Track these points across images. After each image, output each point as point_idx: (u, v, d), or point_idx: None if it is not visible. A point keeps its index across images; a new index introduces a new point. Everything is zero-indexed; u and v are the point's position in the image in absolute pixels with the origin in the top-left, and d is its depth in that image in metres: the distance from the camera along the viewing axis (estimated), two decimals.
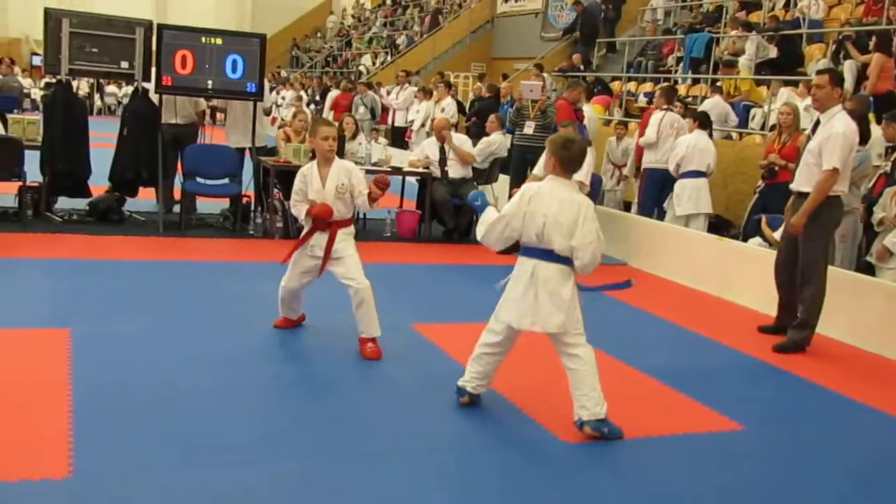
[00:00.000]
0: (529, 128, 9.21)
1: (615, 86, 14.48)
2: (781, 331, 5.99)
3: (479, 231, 4.15)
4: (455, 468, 3.63)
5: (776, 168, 7.85)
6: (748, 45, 12.15)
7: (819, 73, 5.81)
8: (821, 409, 4.84)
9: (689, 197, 8.50)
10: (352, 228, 5.13)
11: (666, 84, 11.86)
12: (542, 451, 3.85)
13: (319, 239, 4.98)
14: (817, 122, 5.70)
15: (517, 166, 9.33)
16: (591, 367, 4.01)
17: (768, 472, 3.86)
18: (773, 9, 13.27)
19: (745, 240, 7.79)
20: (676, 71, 13.82)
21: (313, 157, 8.32)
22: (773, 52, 11.77)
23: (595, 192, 8.74)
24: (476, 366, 4.27)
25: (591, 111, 10.99)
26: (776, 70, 11.23)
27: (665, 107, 9.36)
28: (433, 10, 24.18)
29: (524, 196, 3.99)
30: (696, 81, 13.08)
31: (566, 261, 3.95)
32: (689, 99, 12.32)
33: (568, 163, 3.98)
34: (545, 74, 14.28)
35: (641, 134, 9.44)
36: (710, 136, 8.99)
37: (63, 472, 3.23)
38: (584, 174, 8.16)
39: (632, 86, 14.31)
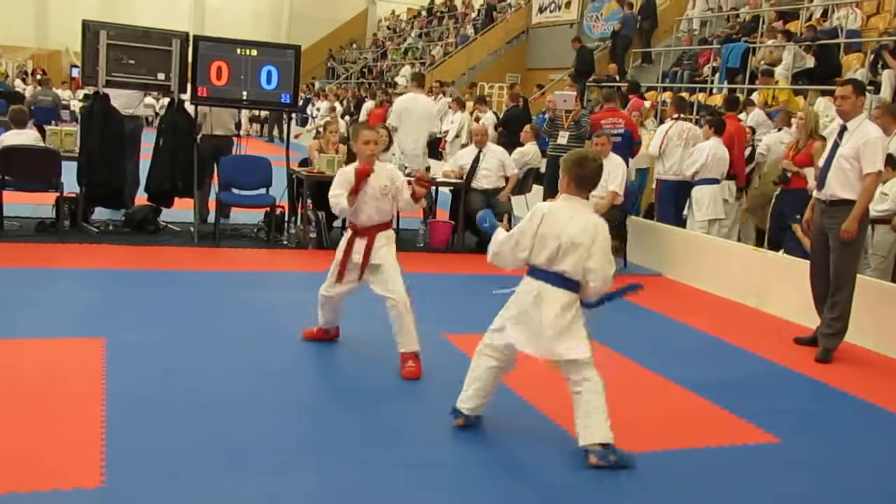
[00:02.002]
0: (563, 138, 9.17)
1: (651, 95, 14.38)
2: (818, 342, 5.90)
3: (490, 251, 3.99)
4: (485, 480, 3.60)
5: (789, 174, 7.80)
6: (785, 54, 12.01)
7: (843, 83, 5.92)
8: (857, 420, 4.75)
9: (710, 202, 8.46)
10: (391, 233, 5.02)
11: (680, 94, 11.80)
12: (576, 464, 3.80)
13: (359, 245, 4.90)
14: (843, 129, 5.75)
15: (551, 177, 9.28)
16: (598, 393, 3.79)
17: (805, 485, 3.79)
18: (810, 18, 13.11)
19: (771, 246, 7.74)
20: (712, 81, 13.69)
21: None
22: (810, 62, 11.63)
23: (630, 202, 8.67)
24: (474, 385, 4.05)
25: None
26: (813, 80, 11.08)
27: (675, 116, 9.29)
28: (487, 7, 24.05)
29: (535, 215, 3.84)
30: (731, 91, 12.94)
31: (574, 285, 3.79)
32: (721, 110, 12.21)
33: (583, 181, 3.84)
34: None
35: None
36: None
37: (95, 481, 3.25)
38: (618, 184, 8.13)
39: (667, 96, 14.20)
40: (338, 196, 4.88)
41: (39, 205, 8.32)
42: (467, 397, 4.07)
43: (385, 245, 4.91)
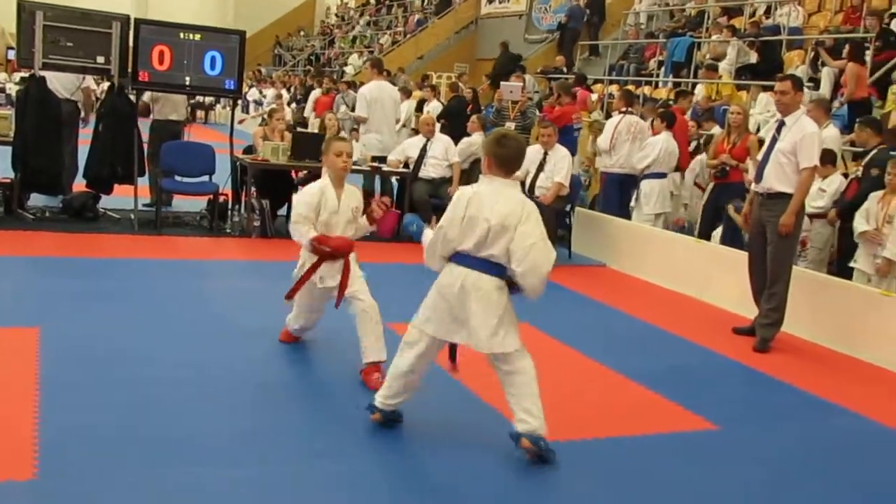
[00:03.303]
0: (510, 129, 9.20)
1: (597, 88, 14.50)
2: (756, 332, 6.03)
3: (425, 256, 3.81)
4: (424, 467, 3.60)
5: (728, 168, 7.94)
6: (729, 49, 12.21)
7: (782, 79, 6.02)
8: (794, 408, 4.85)
9: (658, 197, 8.55)
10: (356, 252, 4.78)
11: (625, 87, 11.92)
12: (518, 452, 3.82)
13: (329, 269, 4.60)
14: (781, 124, 5.86)
15: None
16: (532, 381, 3.68)
17: (743, 471, 3.86)
18: (753, 14, 13.35)
19: (701, 238, 7.92)
20: (658, 74, 13.86)
21: (292, 157, 8.40)
22: (753, 58, 11.84)
23: (575, 193, 8.74)
24: (397, 382, 3.85)
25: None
26: (756, 75, 11.29)
27: (623, 109, 9.38)
28: None
29: (461, 200, 3.63)
30: (676, 85, 13.13)
31: (503, 270, 3.59)
32: (671, 102, 12.36)
33: (504, 161, 3.61)
34: (527, 76, 14.30)
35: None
36: None
37: (28, 474, 3.17)
38: (563, 175, 8.18)
39: (613, 88, 14.34)
40: (300, 228, 4.59)
41: None
42: (389, 394, 3.87)
43: (355, 263, 4.72)
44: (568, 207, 8.63)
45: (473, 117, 10.34)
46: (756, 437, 4.31)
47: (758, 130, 9.76)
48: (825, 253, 7.11)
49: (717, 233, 7.83)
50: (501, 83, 10.10)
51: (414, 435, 3.92)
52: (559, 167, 8.19)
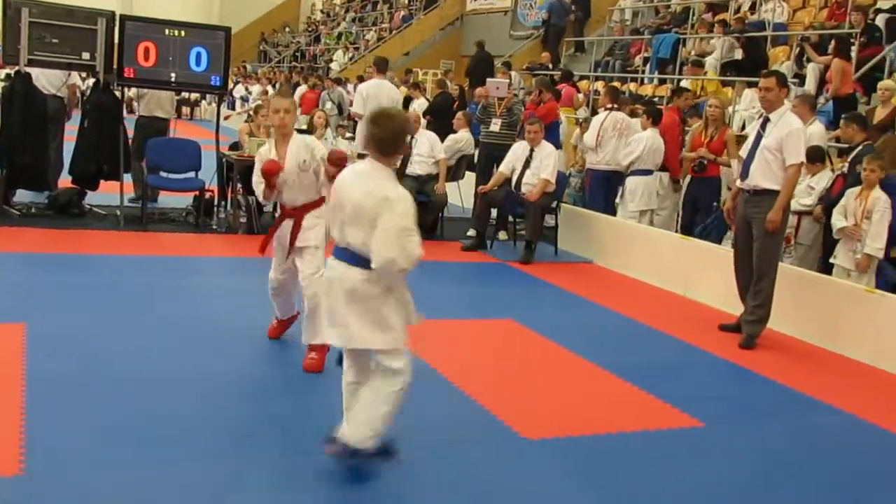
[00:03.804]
0: (496, 125, 9.21)
1: (583, 84, 14.53)
2: (742, 329, 6.06)
3: None
4: (412, 464, 3.59)
5: (705, 162, 7.98)
6: (717, 44, 12.25)
7: (766, 75, 6.04)
8: (779, 405, 4.89)
9: (643, 193, 8.59)
10: (320, 210, 4.62)
11: (611, 83, 11.95)
12: (503, 448, 3.84)
13: (286, 226, 4.63)
14: (766, 120, 5.88)
15: (483, 164, 9.33)
16: (389, 393, 3.29)
17: (728, 468, 3.89)
18: (738, 10, 13.40)
19: (683, 234, 7.97)
20: (643, 71, 13.90)
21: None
22: (738, 54, 11.89)
23: (560, 190, 8.76)
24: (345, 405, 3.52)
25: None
26: (741, 71, 11.34)
27: (609, 106, 9.40)
28: None
29: (335, 184, 3.42)
30: (662, 81, 13.18)
31: (368, 262, 3.19)
32: (656, 99, 12.40)
33: (378, 142, 3.26)
34: (513, 72, 14.32)
35: None
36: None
37: (14, 469, 3.17)
38: (549, 172, 8.21)
39: (599, 85, 14.37)
40: (257, 185, 4.64)
41: None
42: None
43: (314, 227, 4.60)
44: (554, 204, 8.65)
45: (459, 114, 10.35)
46: (741, 433, 4.34)
47: (743, 127, 9.82)
48: (814, 250, 7.14)
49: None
50: (487, 80, 10.10)
51: (407, 434, 3.93)
52: (545, 164, 8.22)
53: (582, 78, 14.78)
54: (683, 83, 11.79)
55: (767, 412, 4.74)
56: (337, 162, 4.39)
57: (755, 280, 5.91)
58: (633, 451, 3.96)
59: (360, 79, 18.13)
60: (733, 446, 4.16)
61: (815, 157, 7.03)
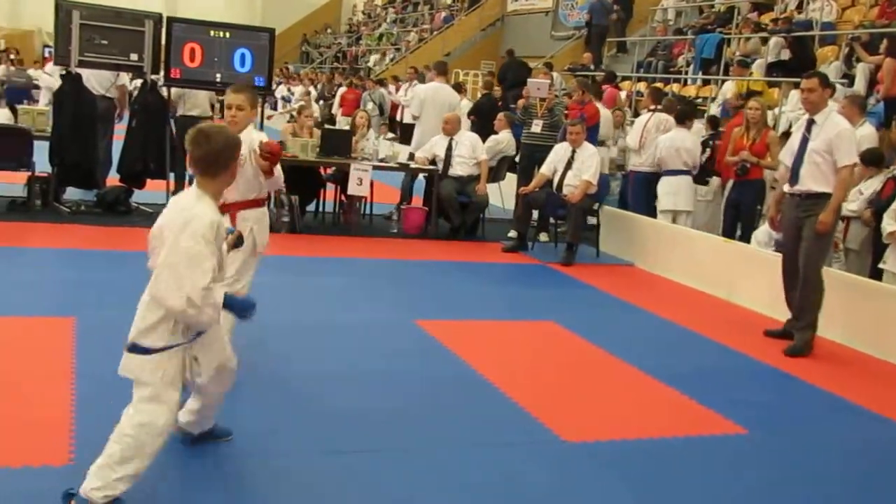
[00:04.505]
0: (537, 126, 9.18)
1: (625, 85, 14.44)
2: (788, 335, 5.95)
3: None
4: (454, 466, 3.61)
5: (748, 165, 7.87)
6: (765, 45, 12.08)
7: (808, 76, 5.90)
8: (825, 413, 4.81)
9: (673, 193, 8.54)
10: (260, 214, 4.28)
11: (655, 85, 11.85)
12: (544, 452, 3.83)
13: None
14: (811, 123, 5.75)
15: (525, 165, 9.31)
16: (133, 435, 2.91)
17: (771, 476, 3.84)
18: (785, 10, 13.21)
19: (725, 237, 7.89)
20: (687, 72, 13.77)
21: (321, 153, 8.46)
22: (785, 54, 11.71)
23: (602, 192, 8.71)
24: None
25: (606, 111, 10.94)
26: (788, 72, 11.18)
27: (652, 107, 9.32)
28: None
29: None
30: (706, 82, 13.04)
31: None
32: (700, 100, 12.28)
33: (195, 162, 3.05)
34: (554, 73, 14.26)
35: None
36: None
37: (64, 459, 3.25)
38: (591, 173, 8.16)
39: (641, 86, 14.26)
40: None
41: (11, 184, 8.20)
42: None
43: (249, 227, 4.16)
44: (595, 206, 8.61)
45: (500, 115, 10.34)
46: (786, 442, 4.28)
47: (789, 128, 9.67)
48: (863, 256, 6.98)
49: (758, 232, 7.65)
50: (528, 81, 10.07)
51: (448, 435, 3.95)
52: (587, 165, 8.18)
53: (624, 79, 14.68)
54: (728, 84, 11.66)
55: (813, 421, 4.66)
56: (267, 155, 4.05)
57: (801, 284, 5.79)
58: (674, 457, 3.92)
59: (396, 79, 18.27)
60: (777, 455, 4.09)
61: (873, 160, 6.89)
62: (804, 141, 5.75)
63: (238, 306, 3.13)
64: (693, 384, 4.91)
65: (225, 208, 4.09)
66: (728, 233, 8.12)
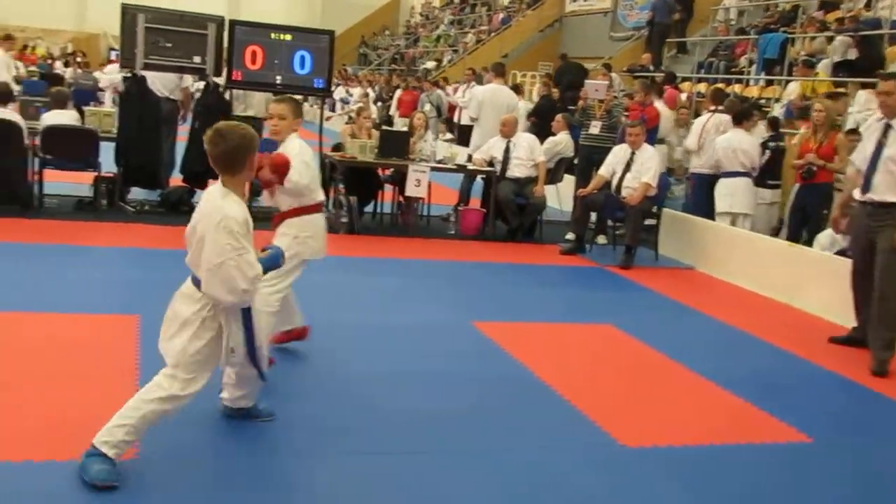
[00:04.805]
0: (595, 128, 9.10)
1: (685, 86, 14.24)
2: (854, 342, 5.78)
3: None
4: (508, 468, 3.59)
5: (814, 168, 7.68)
6: (832, 44, 11.81)
7: (885, 77, 5.66)
8: (890, 423, 4.68)
9: (724, 195, 8.41)
10: (301, 222, 4.32)
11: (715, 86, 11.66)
12: (601, 456, 3.80)
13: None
14: (887, 127, 5.46)
15: (583, 166, 9.24)
16: (149, 408, 3.18)
17: (834, 486, 3.75)
18: (852, 8, 12.89)
19: (790, 240, 7.73)
20: (749, 72, 13.53)
21: (379, 154, 8.52)
22: (851, 54, 11.43)
23: (662, 194, 8.60)
24: None
25: (667, 111, 10.82)
26: (854, 72, 10.90)
27: (713, 108, 9.16)
28: None
29: None
30: (769, 83, 12.79)
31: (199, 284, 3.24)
32: (763, 101, 12.06)
33: (215, 161, 3.20)
34: (613, 74, 14.13)
35: None
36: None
37: (130, 453, 3.30)
38: (651, 175, 8.06)
39: (702, 87, 14.06)
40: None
41: (78, 184, 8.43)
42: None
43: (280, 237, 4.26)
44: (654, 208, 8.51)
45: (558, 116, 10.27)
46: (853, 452, 4.17)
47: (856, 129, 9.42)
48: None
49: (821, 236, 7.48)
50: (586, 82, 9.99)
51: (504, 438, 3.94)
52: (647, 167, 8.08)
53: (684, 80, 14.49)
54: (792, 85, 11.43)
55: (882, 430, 4.53)
56: (275, 168, 4.06)
57: (878, 298, 5.45)
58: (736, 464, 3.85)
59: (445, 80, 18.30)
60: (843, 465, 4.00)
61: None
62: (879, 147, 5.44)
63: (272, 265, 3.45)
64: (754, 390, 4.82)
65: (277, 218, 4.30)
66: (793, 237, 7.94)
